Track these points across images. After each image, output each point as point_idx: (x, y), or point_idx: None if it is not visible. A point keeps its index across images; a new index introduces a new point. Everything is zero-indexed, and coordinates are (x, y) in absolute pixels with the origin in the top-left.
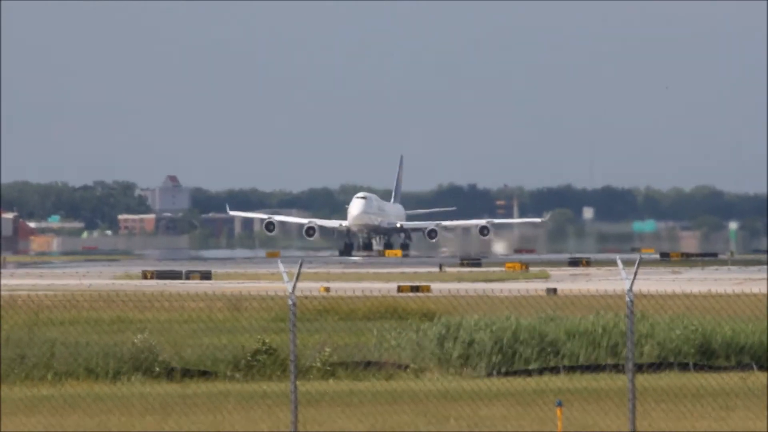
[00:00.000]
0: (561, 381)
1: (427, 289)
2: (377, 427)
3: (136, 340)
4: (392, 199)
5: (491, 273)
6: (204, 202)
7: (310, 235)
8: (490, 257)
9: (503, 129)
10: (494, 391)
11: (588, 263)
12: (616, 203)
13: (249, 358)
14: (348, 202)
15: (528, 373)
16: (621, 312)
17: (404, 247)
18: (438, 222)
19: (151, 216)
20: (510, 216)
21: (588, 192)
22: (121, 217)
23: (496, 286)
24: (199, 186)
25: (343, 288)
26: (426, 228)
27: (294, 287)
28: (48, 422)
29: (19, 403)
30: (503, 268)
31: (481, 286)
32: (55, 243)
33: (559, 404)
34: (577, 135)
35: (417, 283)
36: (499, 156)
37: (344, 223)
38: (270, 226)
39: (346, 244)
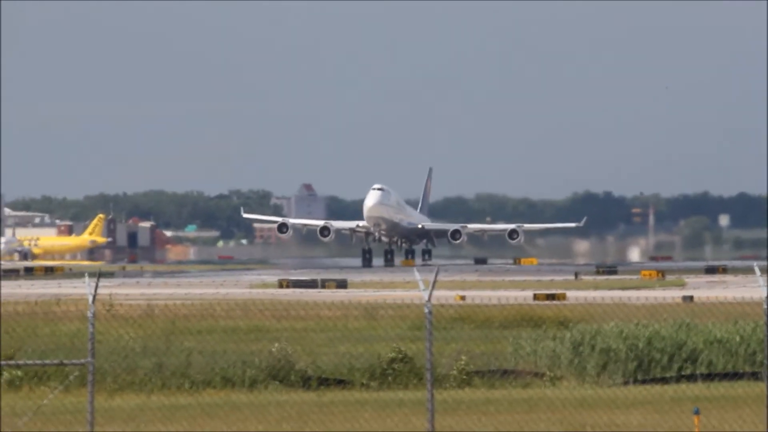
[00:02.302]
0: (698, 389)
1: (563, 297)
2: None
3: (272, 349)
4: (418, 210)
5: (627, 281)
6: (339, 210)
7: (324, 236)
8: (625, 264)
9: (637, 135)
10: (631, 399)
11: (725, 270)
12: (752, 210)
13: (385, 367)
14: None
15: (665, 380)
16: (760, 320)
17: (426, 253)
18: (463, 224)
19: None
20: (646, 224)
21: (724, 199)
22: (256, 225)
23: (632, 294)
24: (335, 194)
25: (478, 296)
26: (449, 229)
27: (430, 295)
28: (185, 430)
29: (156, 412)
30: (639, 276)
31: (617, 294)
32: (191, 252)
33: (697, 412)
34: (713, 142)
35: (553, 291)
36: (634, 163)
37: (361, 223)
38: (284, 228)
39: (364, 250)
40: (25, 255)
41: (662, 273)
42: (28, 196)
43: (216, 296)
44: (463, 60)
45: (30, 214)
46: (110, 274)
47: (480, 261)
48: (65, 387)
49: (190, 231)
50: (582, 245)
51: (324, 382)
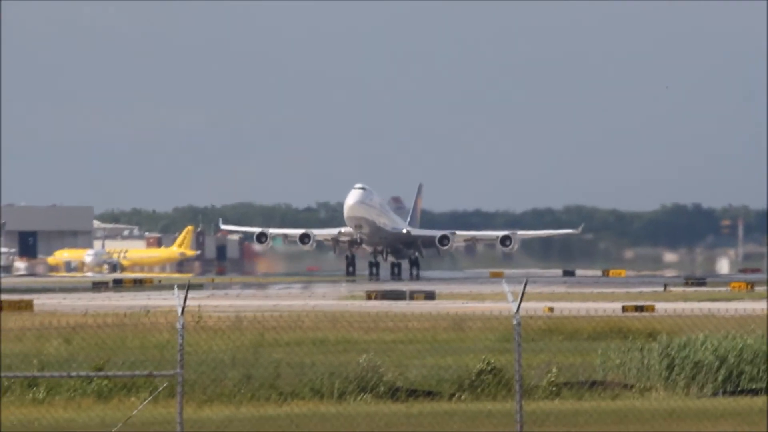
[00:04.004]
0: None
1: (652, 308)
2: None
3: (361, 361)
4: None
5: (716, 292)
6: (428, 223)
7: (305, 244)
8: (714, 276)
9: (727, 146)
10: (720, 411)
11: None
12: None
13: (473, 378)
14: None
15: (755, 392)
16: None
17: (413, 263)
18: (452, 230)
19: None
20: (735, 236)
21: None
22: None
23: (721, 306)
24: (423, 207)
25: (567, 307)
26: (436, 236)
27: (519, 307)
28: None
29: (245, 423)
30: (728, 288)
31: (706, 306)
32: (279, 264)
33: None
34: None
35: (641, 303)
36: (723, 175)
37: (344, 229)
38: (262, 237)
39: (347, 257)
40: (114, 267)
41: (751, 285)
42: (117, 209)
43: (304, 308)
44: (553, 60)
45: (119, 226)
46: (199, 286)
47: (568, 273)
48: (154, 398)
49: (278, 244)
50: (671, 257)
51: (412, 394)
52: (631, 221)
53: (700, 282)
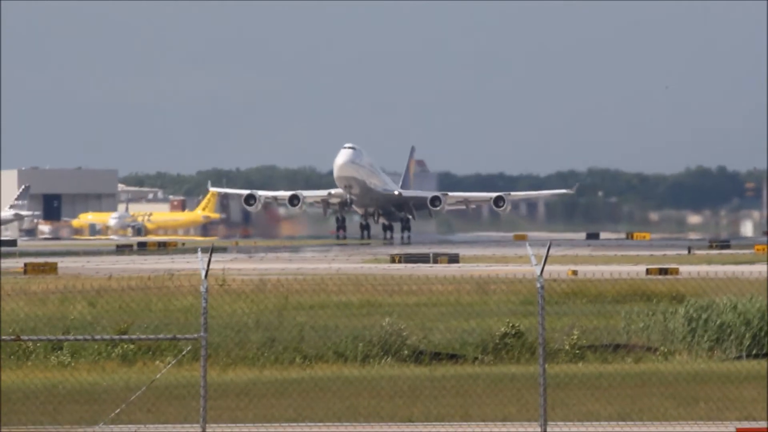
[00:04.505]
0: None
1: (676, 271)
2: (626, 410)
3: (384, 324)
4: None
5: (740, 255)
6: (451, 186)
7: (294, 205)
8: (738, 239)
9: (750, 109)
10: (744, 374)
11: None
12: None
13: (497, 342)
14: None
15: None
16: None
17: (405, 224)
18: (444, 192)
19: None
20: (759, 199)
21: None
22: None
23: (745, 269)
24: (447, 170)
25: (591, 270)
26: (428, 197)
27: (542, 270)
28: (298, 405)
29: (269, 386)
30: (752, 251)
31: (730, 269)
32: (303, 227)
33: None
34: None
35: (665, 266)
36: (748, 137)
37: (334, 191)
38: (251, 200)
39: (338, 219)
40: (139, 230)
41: None
42: (141, 172)
43: (328, 271)
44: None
45: (143, 189)
46: (223, 249)
47: (592, 236)
48: (178, 362)
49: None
50: (695, 219)
51: (436, 357)
52: (655, 184)
53: (725, 245)
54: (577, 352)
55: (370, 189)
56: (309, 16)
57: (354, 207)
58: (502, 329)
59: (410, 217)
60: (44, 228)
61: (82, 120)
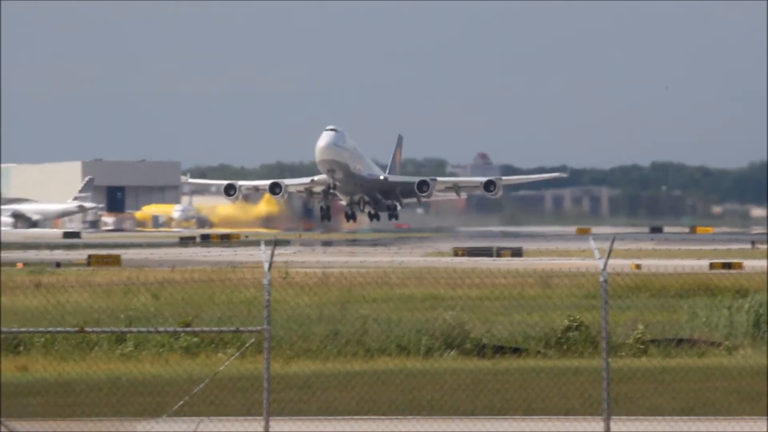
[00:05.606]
0: None
1: (740, 266)
2: (690, 404)
3: (447, 317)
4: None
5: None
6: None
7: (276, 193)
8: None
9: None
10: None
11: None
12: None
13: (560, 335)
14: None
15: None
16: None
17: (391, 212)
18: (433, 177)
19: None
20: None
21: None
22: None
23: None
24: (510, 163)
25: (654, 265)
26: (415, 182)
27: (606, 264)
28: (360, 398)
29: (332, 379)
30: None
31: None
32: (366, 220)
33: None
34: None
35: (729, 260)
36: None
37: (317, 178)
38: (231, 190)
39: (322, 209)
40: (202, 222)
41: None
42: (205, 164)
43: (391, 264)
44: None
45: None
46: (286, 242)
47: (655, 230)
48: (241, 354)
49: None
50: (759, 213)
51: (499, 350)
52: (719, 178)
53: None
54: (641, 346)
55: (354, 174)
56: (373, 10)
57: (338, 194)
58: (565, 323)
59: (397, 204)
60: (108, 220)
61: (146, 112)
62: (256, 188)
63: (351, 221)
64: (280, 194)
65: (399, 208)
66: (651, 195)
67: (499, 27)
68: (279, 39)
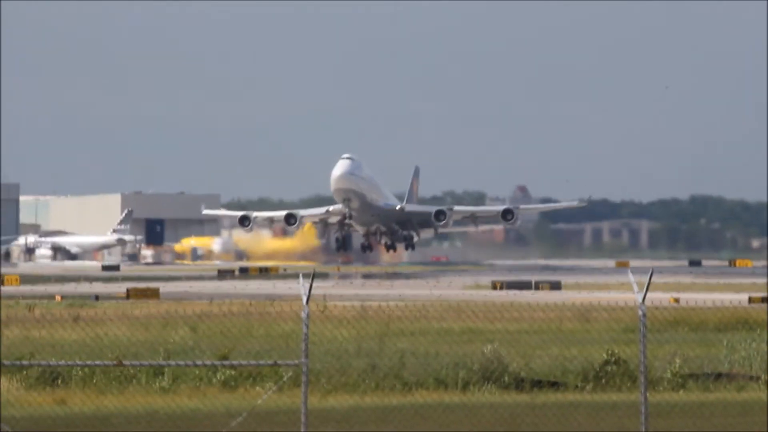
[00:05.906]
0: None
1: None
2: None
3: (485, 351)
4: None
5: None
6: (553, 212)
7: (290, 224)
8: None
9: None
10: None
11: None
12: None
13: (598, 369)
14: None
15: None
16: None
17: (408, 242)
18: (450, 206)
19: (500, 226)
20: None
21: None
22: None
23: None
24: (549, 196)
25: (693, 299)
26: (432, 211)
27: (644, 298)
28: None
29: (369, 413)
30: None
31: None
32: (405, 254)
33: None
34: None
35: None
36: None
37: (332, 208)
38: (245, 221)
39: (337, 240)
40: (241, 255)
41: None
42: (244, 197)
43: (429, 297)
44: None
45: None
46: (324, 275)
47: (694, 263)
48: (279, 387)
49: None
50: None
51: (537, 384)
52: (758, 211)
53: None
54: (679, 380)
55: (370, 203)
56: (409, 39)
57: (354, 224)
58: (604, 357)
59: (414, 235)
60: (147, 252)
61: (185, 144)
62: (271, 219)
63: (391, 251)
64: (296, 224)
65: (416, 238)
66: (690, 228)
67: (520, 49)
68: (313, 66)
